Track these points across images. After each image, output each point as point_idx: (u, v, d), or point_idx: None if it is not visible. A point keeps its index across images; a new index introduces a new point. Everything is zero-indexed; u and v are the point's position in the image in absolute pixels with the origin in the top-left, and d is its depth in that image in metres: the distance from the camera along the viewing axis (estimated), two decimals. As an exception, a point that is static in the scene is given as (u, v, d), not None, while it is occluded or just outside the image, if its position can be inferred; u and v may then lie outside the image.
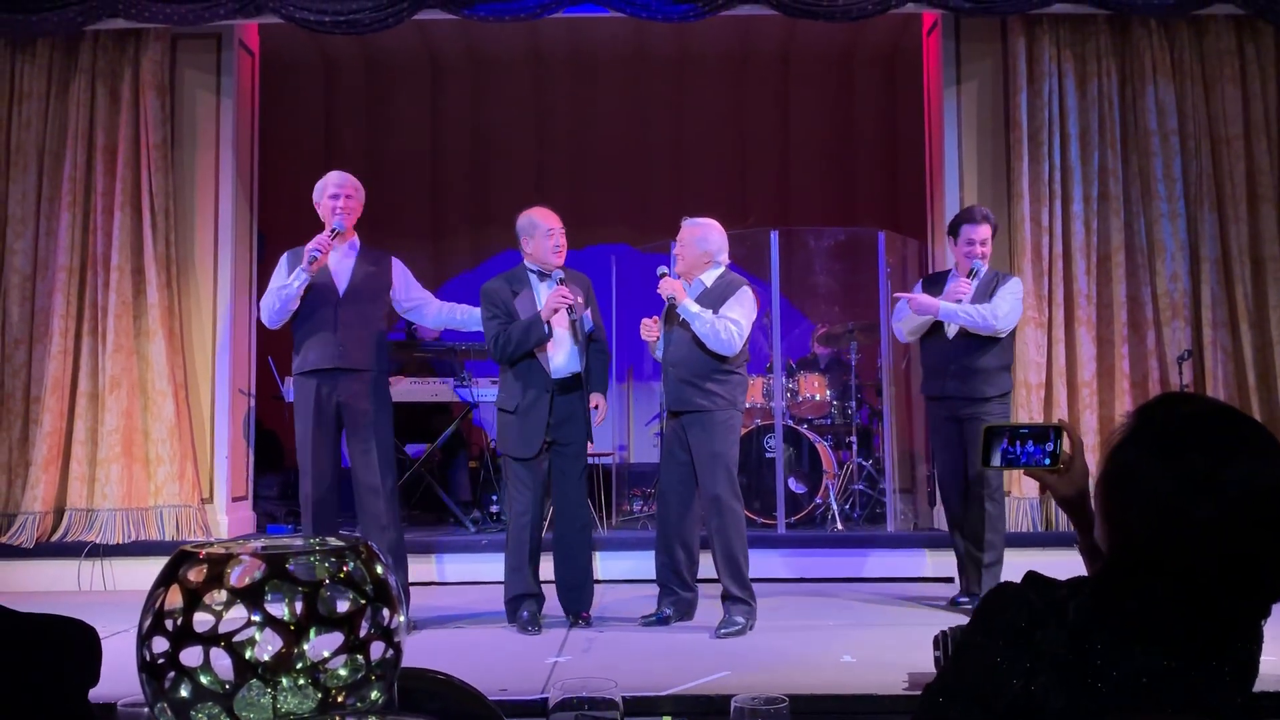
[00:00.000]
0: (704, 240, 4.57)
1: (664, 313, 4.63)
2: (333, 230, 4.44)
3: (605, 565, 5.64)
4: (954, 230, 4.95)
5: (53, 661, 1.47)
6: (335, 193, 4.52)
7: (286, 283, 4.43)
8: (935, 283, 5.01)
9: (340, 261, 4.52)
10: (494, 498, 6.62)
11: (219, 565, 0.92)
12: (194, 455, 5.97)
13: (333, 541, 1.00)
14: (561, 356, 4.49)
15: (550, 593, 4.58)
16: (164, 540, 5.80)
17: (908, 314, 4.95)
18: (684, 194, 8.80)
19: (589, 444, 4.59)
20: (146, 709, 1.12)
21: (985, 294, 4.79)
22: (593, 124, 8.89)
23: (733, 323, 4.38)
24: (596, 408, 4.53)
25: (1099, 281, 5.90)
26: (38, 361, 5.92)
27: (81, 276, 6.01)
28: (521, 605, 4.45)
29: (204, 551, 0.96)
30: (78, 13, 5.77)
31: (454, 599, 5.23)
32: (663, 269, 4.58)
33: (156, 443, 5.90)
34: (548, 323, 4.40)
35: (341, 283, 4.48)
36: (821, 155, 8.88)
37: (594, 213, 8.78)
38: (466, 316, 4.80)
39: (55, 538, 5.79)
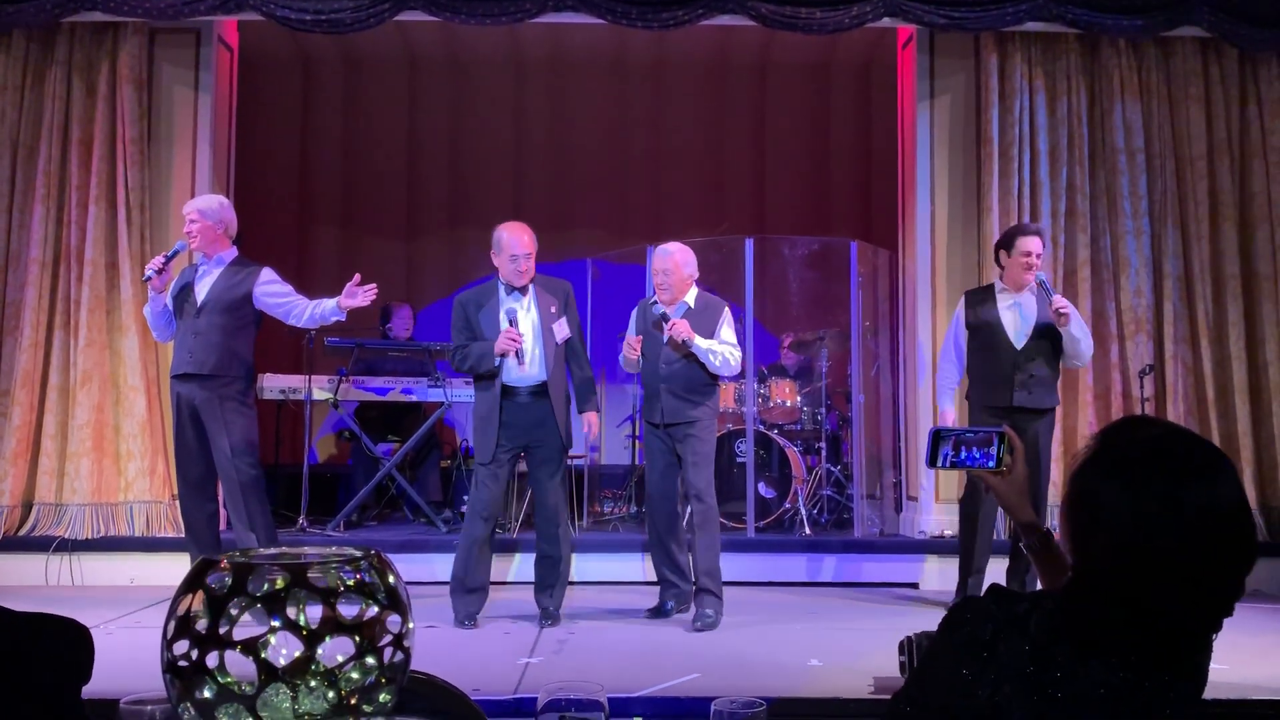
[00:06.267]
0: (686, 264, 4.83)
1: (638, 331, 4.85)
2: (171, 253, 4.83)
3: (578, 567, 5.65)
4: (1007, 244, 5.01)
5: (46, 659, 1.50)
6: (185, 218, 4.83)
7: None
8: (982, 296, 5.13)
9: (206, 274, 4.79)
10: (465, 498, 6.65)
11: (242, 573, 0.97)
12: (165, 451, 5.94)
13: (348, 551, 1.05)
14: (523, 365, 4.63)
15: (522, 591, 4.78)
16: (133, 536, 5.79)
17: (951, 358, 5.15)
18: (660, 200, 8.87)
19: (565, 451, 4.74)
20: (150, 707, 1.16)
21: (1044, 312, 4.95)
22: (571, 129, 8.92)
23: (733, 346, 4.75)
24: (589, 429, 4.84)
25: (1065, 295, 6.00)
26: (8, 355, 5.88)
27: (54, 270, 5.98)
28: (457, 600, 4.64)
29: (225, 560, 1.01)
30: (55, 4, 5.74)
31: (426, 599, 5.25)
32: (662, 309, 4.78)
33: (127, 438, 5.89)
34: (499, 357, 4.59)
35: (201, 294, 4.75)
36: (797, 165, 8.97)
37: (571, 217, 8.83)
38: (323, 311, 4.83)
39: (23, 532, 5.76)
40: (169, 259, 4.77)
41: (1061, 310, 4.79)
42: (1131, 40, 6.14)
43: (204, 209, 4.81)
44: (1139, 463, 1.26)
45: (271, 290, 4.82)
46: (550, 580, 4.70)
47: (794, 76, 8.84)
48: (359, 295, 4.71)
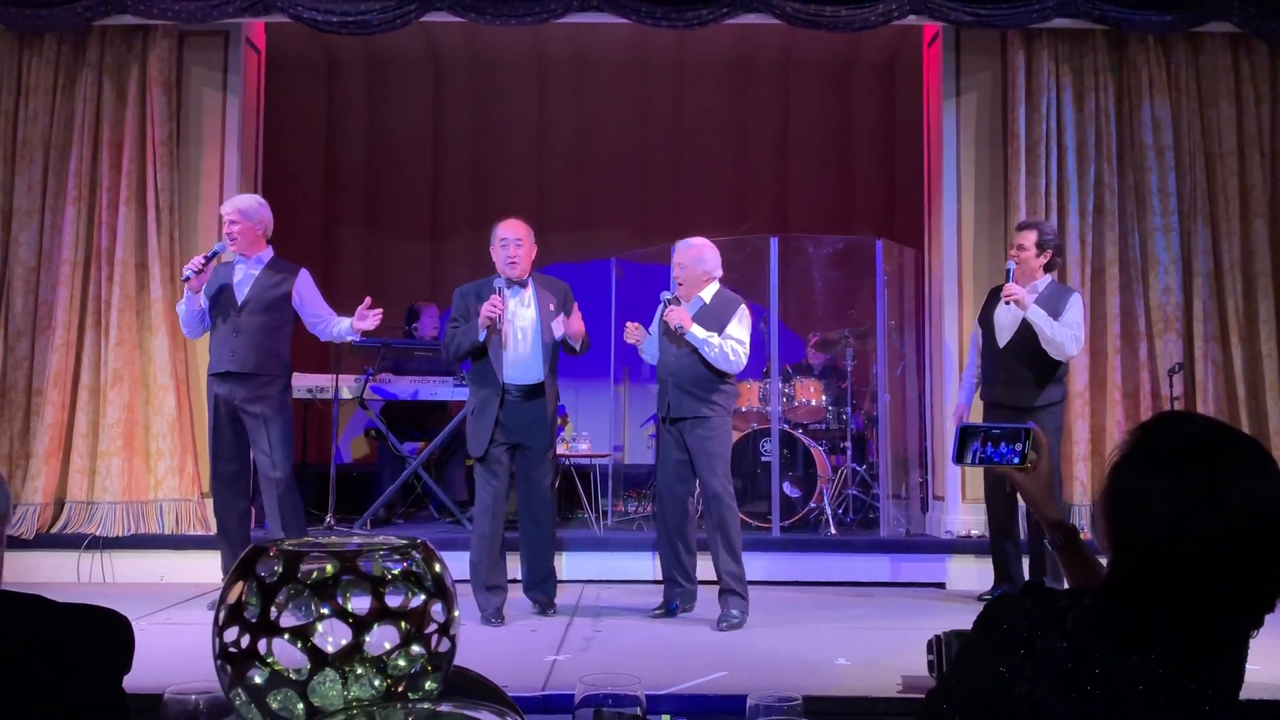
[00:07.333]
0: (702, 260, 4.81)
1: (659, 325, 4.83)
2: (211, 253, 4.86)
3: (602, 565, 5.71)
4: None
5: (90, 649, 1.53)
6: (225, 219, 4.93)
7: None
8: (995, 294, 5.20)
9: (246, 274, 4.87)
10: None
11: (294, 561, 0.98)
12: (194, 449, 5.99)
13: (395, 540, 1.06)
14: (517, 364, 4.67)
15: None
16: (163, 534, 5.85)
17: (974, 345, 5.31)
18: (684, 199, 8.87)
19: (553, 449, 4.80)
20: (193, 698, 1.18)
21: (1049, 309, 4.94)
22: (594, 128, 8.93)
23: (738, 343, 4.66)
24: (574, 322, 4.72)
25: (1093, 294, 5.98)
26: (40, 354, 5.96)
27: (85, 270, 6.05)
28: (480, 598, 4.63)
29: (274, 548, 1.02)
30: (86, 8, 5.80)
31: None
32: (666, 295, 4.81)
33: (157, 436, 5.94)
34: (484, 330, 4.61)
35: (242, 294, 4.83)
36: (820, 163, 8.95)
37: (594, 217, 8.85)
38: (340, 330, 4.98)
39: (55, 529, 5.82)
40: (209, 259, 4.83)
41: (1005, 297, 4.89)
42: (1160, 36, 6.08)
43: (244, 209, 4.89)
44: (1179, 457, 1.24)
45: (310, 297, 4.96)
46: (539, 576, 4.75)
47: (817, 75, 8.81)
48: (369, 318, 4.84)
